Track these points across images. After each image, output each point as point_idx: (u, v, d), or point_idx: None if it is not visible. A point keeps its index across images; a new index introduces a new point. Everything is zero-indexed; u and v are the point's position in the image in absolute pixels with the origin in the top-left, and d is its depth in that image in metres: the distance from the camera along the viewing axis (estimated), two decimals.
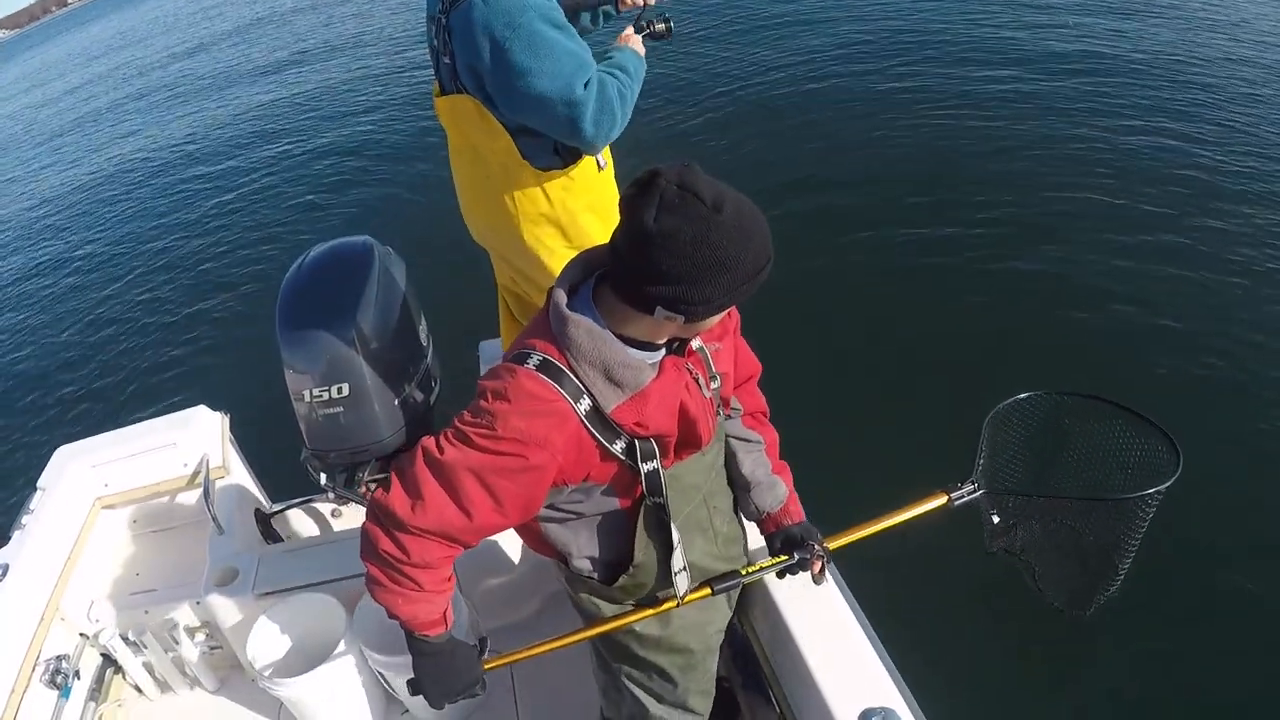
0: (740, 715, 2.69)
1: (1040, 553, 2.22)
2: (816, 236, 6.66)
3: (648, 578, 1.97)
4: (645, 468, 1.73)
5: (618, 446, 1.68)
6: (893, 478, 4.19)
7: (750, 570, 2.05)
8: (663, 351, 1.71)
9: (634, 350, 1.66)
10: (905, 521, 2.14)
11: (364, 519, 1.71)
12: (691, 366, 1.77)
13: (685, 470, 1.86)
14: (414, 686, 1.89)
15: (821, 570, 2.10)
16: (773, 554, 2.14)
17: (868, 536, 2.13)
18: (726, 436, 2.10)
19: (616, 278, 1.61)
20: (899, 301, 6.03)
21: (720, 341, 1.89)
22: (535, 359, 1.62)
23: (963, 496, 2.16)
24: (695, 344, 1.80)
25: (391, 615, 1.75)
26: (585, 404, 1.62)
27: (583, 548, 1.95)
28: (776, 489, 2.13)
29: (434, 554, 1.66)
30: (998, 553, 2.28)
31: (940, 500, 2.17)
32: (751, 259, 1.50)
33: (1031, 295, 5.87)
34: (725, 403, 1.99)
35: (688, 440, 1.81)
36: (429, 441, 1.65)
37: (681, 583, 1.95)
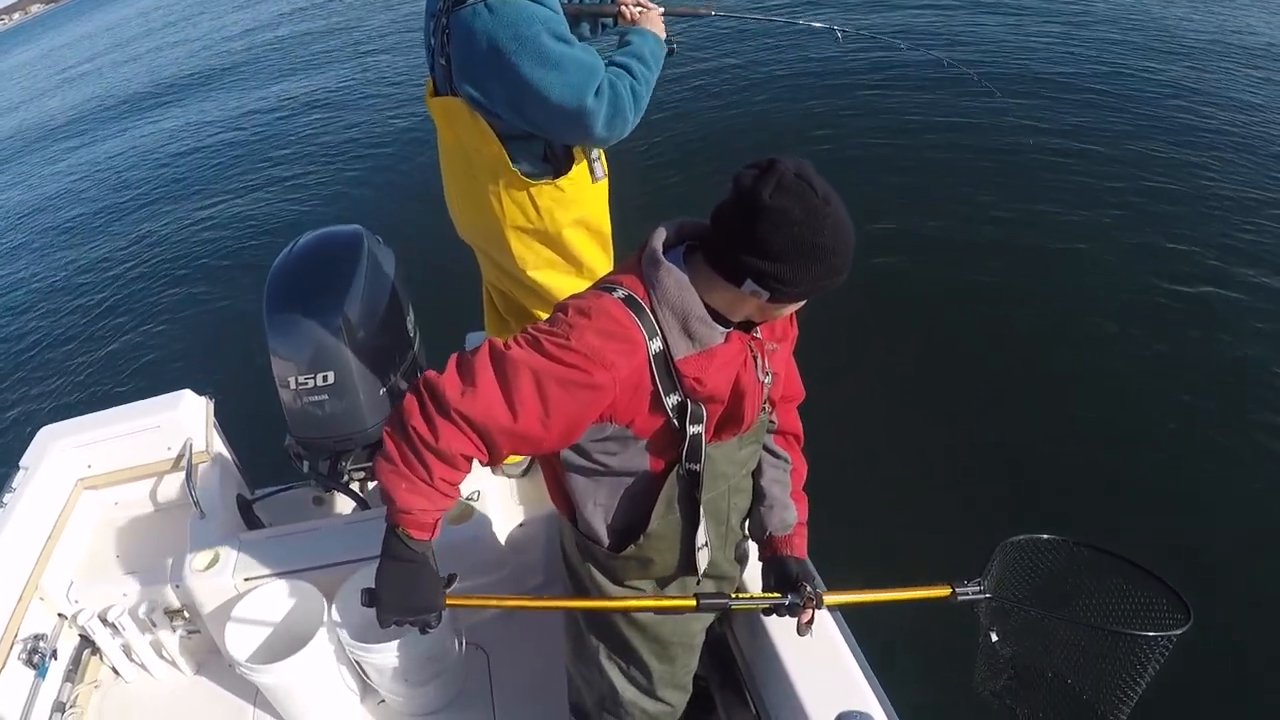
0: (716, 714, 2.70)
1: (1030, 699, 2.14)
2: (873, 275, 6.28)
3: (656, 552, 1.98)
4: (691, 430, 1.78)
5: (670, 401, 1.74)
6: (898, 551, 4.23)
7: (741, 597, 2.02)
8: (730, 329, 1.78)
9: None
10: (902, 601, 2.07)
11: (406, 393, 1.69)
12: (753, 346, 1.84)
13: (719, 455, 1.90)
14: (368, 596, 1.79)
15: (810, 622, 2.06)
16: (765, 585, 2.14)
17: (860, 604, 2.07)
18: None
19: (712, 246, 1.70)
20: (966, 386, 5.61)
21: (779, 344, 1.95)
22: (621, 292, 1.71)
23: (967, 594, 2.09)
24: (757, 334, 1.86)
25: (387, 499, 1.71)
26: (657, 345, 1.69)
27: (599, 505, 1.96)
28: (787, 513, 2.14)
29: (459, 447, 1.63)
30: (986, 694, 2.20)
31: (943, 591, 2.10)
32: (841, 257, 1.62)
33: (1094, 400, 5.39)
34: (772, 403, 2.03)
35: (732, 416, 1.85)
36: (495, 339, 1.68)
37: (702, 559, 1.99)
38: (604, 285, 1.76)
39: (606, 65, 2.47)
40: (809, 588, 2.00)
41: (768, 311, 1.74)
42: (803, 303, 1.76)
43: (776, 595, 2.02)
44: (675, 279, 1.70)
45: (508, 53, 2.28)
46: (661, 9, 2.73)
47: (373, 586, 1.79)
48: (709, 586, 2.15)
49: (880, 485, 4.80)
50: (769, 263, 1.59)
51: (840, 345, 5.29)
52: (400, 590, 1.78)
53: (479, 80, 2.40)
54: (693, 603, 1.97)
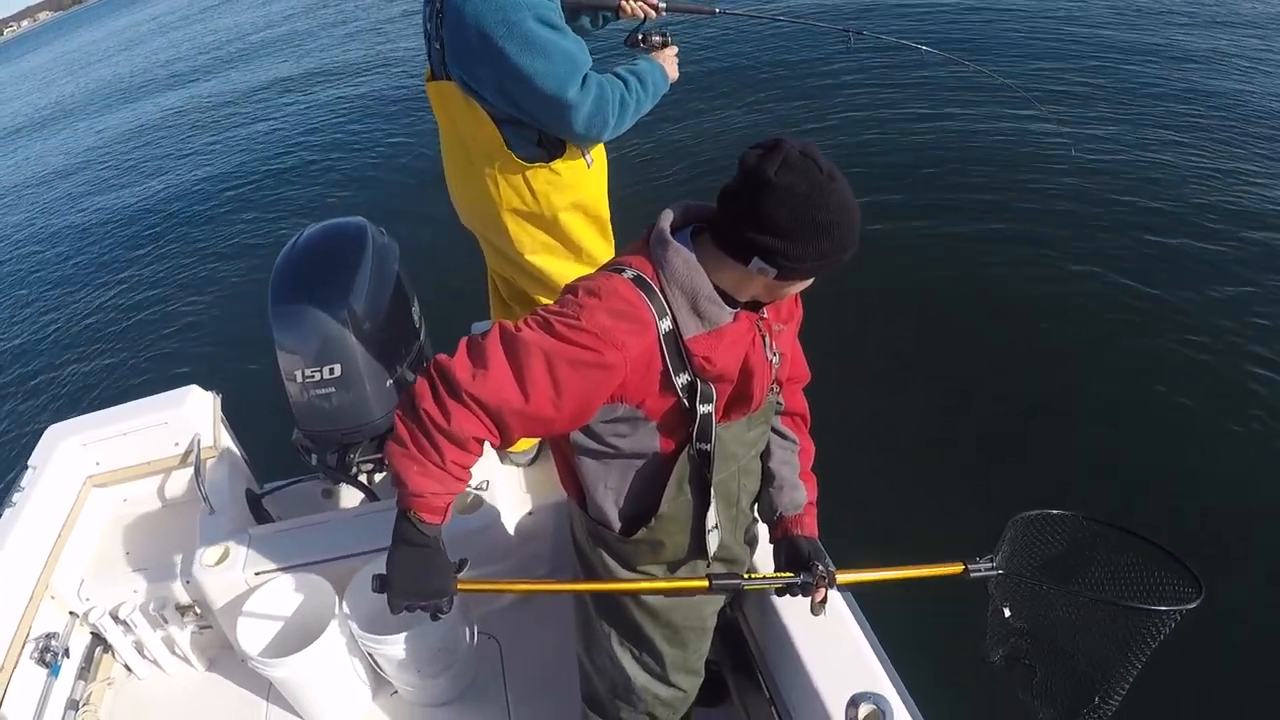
0: (729, 697, 2.70)
1: (1043, 668, 2.12)
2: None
3: (667, 535, 1.98)
4: (701, 409, 1.78)
5: (680, 380, 1.74)
6: (909, 531, 4.17)
7: (754, 577, 2.02)
8: (738, 309, 1.78)
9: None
10: (915, 578, 2.05)
11: (416, 377, 1.69)
12: (761, 326, 1.83)
13: (729, 435, 1.90)
14: (379, 582, 1.78)
15: (824, 601, 2.02)
16: (777, 566, 2.12)
17: (872, 582, 2.05)
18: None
19: (719, 225, 1.70)
20: (975, 359, 5.57)
21: (785, 325, 1.95)
22: (630, 272, 1.72)
23: (980, 571, 2.07)
24: (764, 315, 1.86)
25: (398, 482, 1.70)
26: (667, 324, 1.69)
27: (609, 488, 1.97)
28: (797, 493, 2.13)
29: (471, 430, 1.64)
30: (999, 662, 2.20)
31: (956, 569, 2.08)
32: (847, 233, 1.62)
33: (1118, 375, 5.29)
34: (779, 383, 2.03)
35: (741, 396, 1.85)
36: (505, 321, 1.69)
37: (713, 541, 2.00)
38: (613, 266, 1.76)
39: (606, 72, 2.48)
40: (820, 567, 1.98)
41: (775, 290, 1.74)
42: (810, 281, 1.75)
43: (789, 575, 2.00)
44: (684, 259, 1.70)
45: (495, 37, 2.29)
46: (675, 48, 2.76)
47: (383, 572, 1.78)
48: (720, 570, 2.14)
49: (888, 464, 4.78)
50: (775, 239, 1.59)
51: (845, 325, 5.29)
52: (412, 575, 1.77)
53: (468, 64, 2.41)
54: (705, 583, 1.96)
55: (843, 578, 2.01)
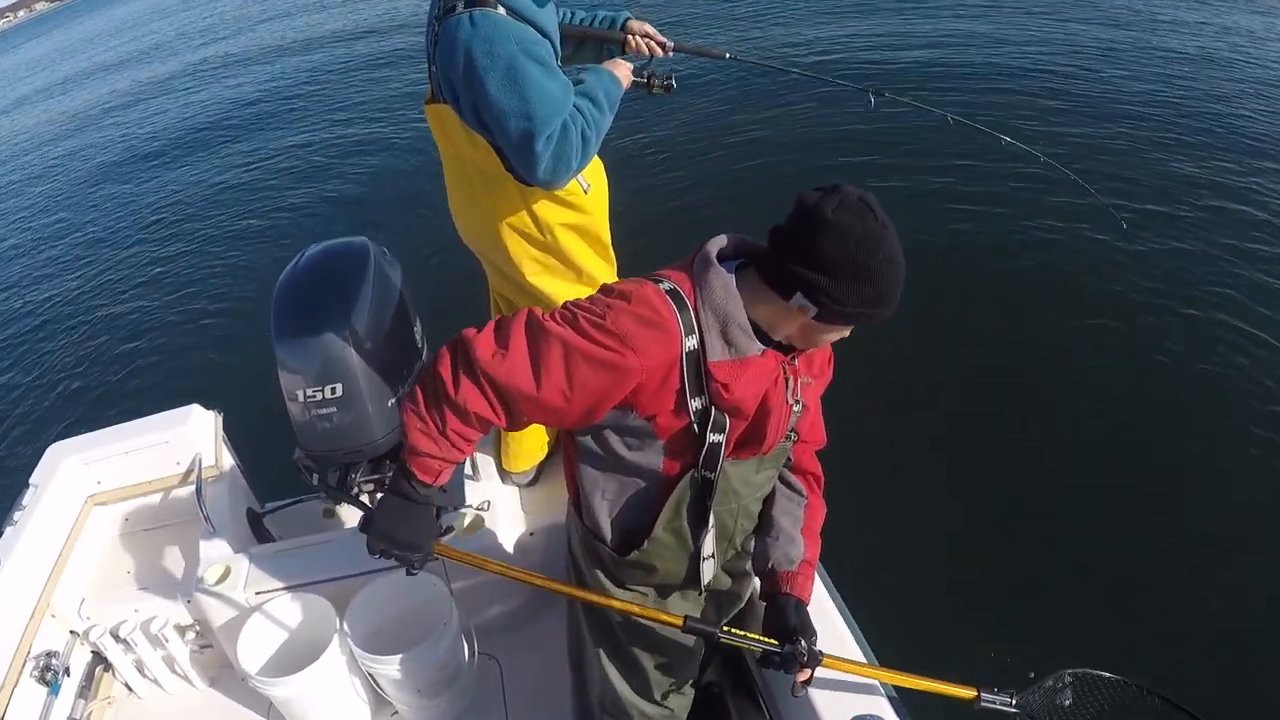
0: (729, 719, 2.70)
1: None
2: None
3: (659, 559, 1.98)
4: (711, 438, 1.79)
5: (695, 404, 1.74)
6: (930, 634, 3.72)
7: (733, 632, 1.97)
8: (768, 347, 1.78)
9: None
10: (917, 690, 2.00)
11: (445, 342, 1.76)
12: (787, 369, 1.83)
13: (736, 472, 1.90)
14: (363, 522, 1.93)
15: (806, 682, 1.97)
16: (765, 627, 2.05)
17: (869, 677, 2.01)
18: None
19: (767, 258, 1.70)
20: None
21: (815, 380, 1.95)
22: (667, 284, 1.74)
23: (993, 703, 2.00)
24: (794, 361, 1.86)
25: (403, 435, 1.80)
26: (692, 342, 1.70)
27: (605, 498, 1.98)
28: (792, 548, 2.07)
29: (475, 406, 1.70)
30: None
31: (967, 693, 2.02)
32: (892, 284, 1.63)
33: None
34: (797, 433, 2.02)
35: (754, 435, 1.85)
36: (536, 309, 1.73)
37: (707, 571, 2.00)
38: (652, 276, 1.78)
39: None
40: (804, 644, 1.92)
41: (810, 334, 1.75)
42: (846, 331, 1.76)
43: (771, 642, 1.96)
44: (723, 283, 1.72)
45: (479, 68, 2.28)
46: (631, 65, 2.75)
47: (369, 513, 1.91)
48: (712, 601, 2.18)
49: (913, 550, 4.24)
50: (823, 276, 1.60)
51: (894, 401, 5.12)
52: (393, 523, 1.89)
53: (453, 89, 2.42)
54: (679, 622, 1.96)
55: (835, 664, 2.00)
